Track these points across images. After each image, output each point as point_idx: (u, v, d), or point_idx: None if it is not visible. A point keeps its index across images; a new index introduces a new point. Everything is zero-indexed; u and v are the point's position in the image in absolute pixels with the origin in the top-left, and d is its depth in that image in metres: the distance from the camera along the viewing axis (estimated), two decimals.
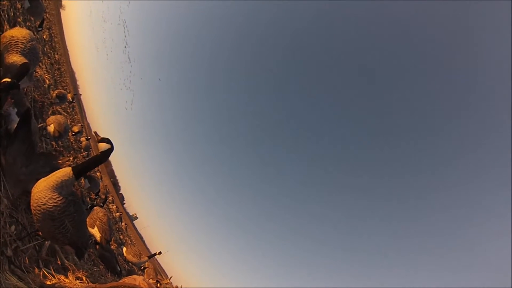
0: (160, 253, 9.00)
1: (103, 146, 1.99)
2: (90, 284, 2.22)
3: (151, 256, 8.31)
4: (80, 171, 1.83)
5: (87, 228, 3.62)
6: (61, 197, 1.71)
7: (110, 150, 2.01)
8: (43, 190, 1.70)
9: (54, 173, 1.79)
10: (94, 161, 2.06)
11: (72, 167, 1.81)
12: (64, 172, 1.78)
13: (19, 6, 4.79)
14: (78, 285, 2.09)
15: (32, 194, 1.72)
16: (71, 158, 5.31)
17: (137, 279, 2.17)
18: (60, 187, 1.74)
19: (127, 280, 2.17)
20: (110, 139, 2.04)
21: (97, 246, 4.59)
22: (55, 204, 1.69)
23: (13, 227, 2.05)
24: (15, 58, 2.42)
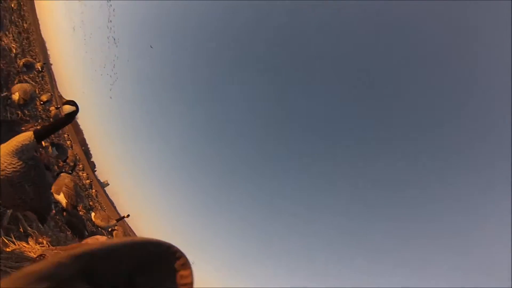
0: (128, 216, 9.04)
1: (67, 108, 1.92)
2: (51, 247, 2.23)
3: (120, 219, 8.33)
4: (42, 134, 1.77)
5: (51, 194, 3.54)
6: (20, 162, 1.66)
7: (75, 112, 1.95)
8: (3, 156, 1.64)
9: (14, 137, 1.72)
10: (58, 124, 2.00)
11: (34, 131, 1.75)
12: (24, 137, 1.72)
13: None
14: (38, 249, 2.08)
15: None
16: (38, 126, 5.08)
17: (100, 239, 2.21)
18: (20, 152, 1.68)
19: (89, 240, 2.20)
20: (75, 101, 1.96)
21: (64, 213, 4.53)
22: (14, 169, 1.64)
23: None
24: None
